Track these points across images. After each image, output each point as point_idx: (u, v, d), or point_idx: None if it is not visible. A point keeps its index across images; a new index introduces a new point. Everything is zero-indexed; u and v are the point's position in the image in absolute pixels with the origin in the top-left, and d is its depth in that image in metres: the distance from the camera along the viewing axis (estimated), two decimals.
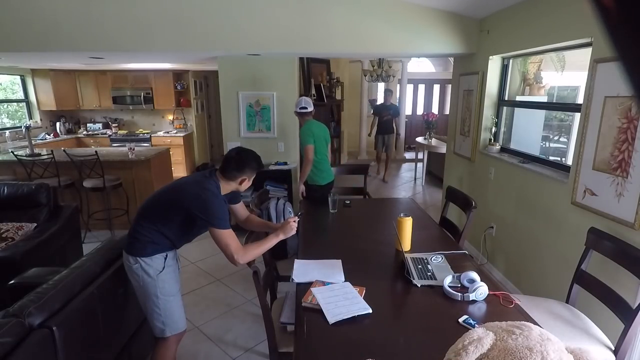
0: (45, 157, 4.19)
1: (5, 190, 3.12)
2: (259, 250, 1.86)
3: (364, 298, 1.65)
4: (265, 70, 4.18)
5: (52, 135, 6.51)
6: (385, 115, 6.49)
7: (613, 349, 1.73)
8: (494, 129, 3.55)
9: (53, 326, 1.43)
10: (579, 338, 1.78)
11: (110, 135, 6.96)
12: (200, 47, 3.51)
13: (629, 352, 1.76)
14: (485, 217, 3.48)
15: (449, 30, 3.53)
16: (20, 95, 6.48)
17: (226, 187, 1.89)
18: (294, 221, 1.94)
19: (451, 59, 5.02)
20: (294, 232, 1.94)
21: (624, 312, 1.72)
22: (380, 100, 9.75)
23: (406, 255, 1.97)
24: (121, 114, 7.32)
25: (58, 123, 6.85)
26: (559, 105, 3.86)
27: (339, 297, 1.66)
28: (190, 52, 3.62)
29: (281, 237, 1.92)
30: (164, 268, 1.84)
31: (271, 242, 1.90)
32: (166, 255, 1.86)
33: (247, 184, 1.93)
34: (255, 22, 3.42)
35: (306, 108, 3.32)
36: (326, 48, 3.56)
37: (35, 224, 2.98)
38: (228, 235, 1.77)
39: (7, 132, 5.89)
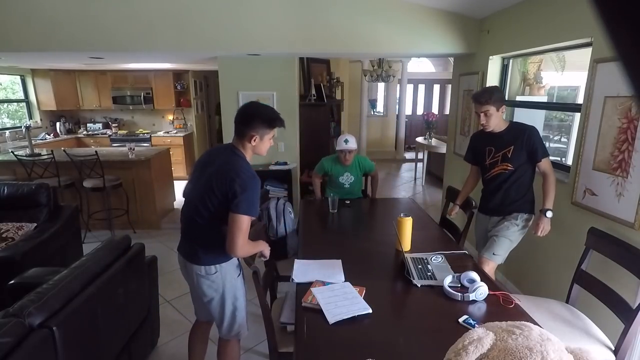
0: (45, 157, 4.19)
1: (5, 190, 3.12)
2: (252, 250, 1.80)
3: (364, 298, 1.65)
4: (265, 70, 4.18)
5: (52, 135, 6.51)
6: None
7: (613, 349, 1.73)
8: None
9: (53, 326, 1.43)
10: (579, 338, 1.78)
11: (110, 135, 6.96)
12: (200, 47, 3.51)
13: (629, 352, 1.76)
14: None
15: (449, 30, 3.53)
16: (20, 95, 6.48)
17: (247, 151, 1.76)
18: (264, 255, 1.91)
19: (451, 59, 5.02)
20: (267, 252, 1.91)
21: (624, 312, 1.72)
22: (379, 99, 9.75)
23: (406, 255, 1.97)
24: (121, 114, 7.31)
25: (58, 123, 6.85)
26: (559, 105, 3.86)
27: (339, 297, 1.66)
28: (190, 52, 3.62)
29: (265, 250, 1.88)
30: (241, 270, 1.85)
31: (258, 248, 1.84)
32: (237, 259, 1.83)
33: (259, 143, 1.73)
34: (255, 22, 3.42)
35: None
36: (326, 48, 3.56)
37: (35, 224, 2.98)
38: (248, 223, 1.64)
39: (7, 132, 5.89)
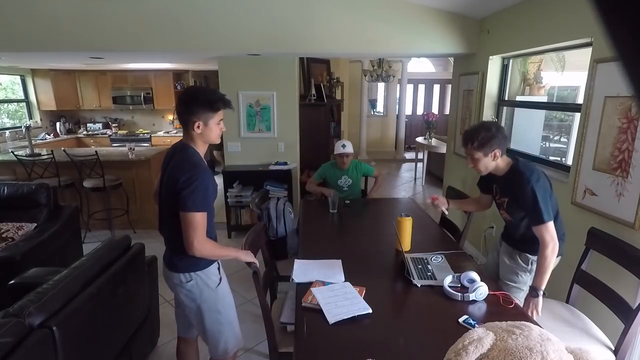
0: (45, 157, 4.19)
1: (5, 190, 3.12)
2: (216, 252, 1.63)
3: (364, 298, 1.65)
4: (265, 70, 4.18)
5: (52, 135, 6.52)
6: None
7: (613, 349, 1.73)
8: None
9: (53, 326, 1.43)
10: (579, 338, 1.78)
11: (110, 135, 6.97)
12: (200, 47, 3.51)
13: (629, 352, 1.76)
14: (485, 217, 3.48)
15: (449, 30, 3.53)
16: (20, 95, 6.48)
17: (196, 141, 1.61)
18: (252, 262, 1.77)
19: (451, 59, 5.02)
20: (249, 259, 1.75)
21: (624, 312, 1.72)
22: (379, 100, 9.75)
23: (406, 255, 1.97)
24: (121, 114, 7.32)
25: (58, 123, 6.85)
26: (559, 105, 3.86)
27: (339, 297, 1.66)
28: (190, 52, 3.62)
29: (241, 256, 1.72)
30: (220, 279, 1.70)
31: (229, 253, 1.71)
32: (218, 264, 1.72)
33: (205, 129, 1.57)
34: (255, 22, 3.42)
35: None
36: (326, 48, 3.56)
37: (35, 224, 2.98)
38: (201, 219, 1.51)
39: (7, 132, 5.89)
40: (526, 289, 1.91)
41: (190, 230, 1.49)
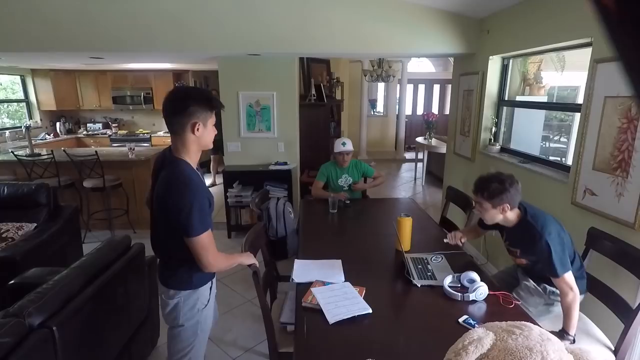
0: (45, 157, 4.19)
1: (5, 190, 3.12)
2: (228, 263, 1.57)
3: (364, 298, 1.65)
4: (265, 70, 4.18)
5: (52, 135, 6.51)
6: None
7: (613, 349, 1.73)
8: (494, 129, 3.55)
9: (53, 326, 1.43)
10: (579, 338, 1.78)
11: (110, 135, 6.96)
12: (200, 47, 3.51)
13: (629, 352, 1.76)
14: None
15: (449, 30, 3.53)
16: (20, 95, 6.48)
17: (190, 149, 1.44)
18: (253, 263, 1.73)
19: (451, 59, 5.02)
20: (250, 261, 1.71)
21: (624, 312, 1.72)
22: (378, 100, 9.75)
23: (406, 255, 1.97)
24: (121, 114, 7.32)
25: (58, 123, 6.85)
26: (559, 105, 3.86)
27: (339, 297, 1.66)
28: (190, 52, 3.62)
29: (243, 260, 1.67)
30: (208, 301, 1.57)
31: (235, 260, 1.62)
32: (211, 284, 1.60)
33: (204, 131, 1.43)
34: (255, 22, 3.42)
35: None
36: (326, 48, 3.56)
37: (35, 224, 2.98)
38: (208, 237, 1.42)
39: (7, 132, 5.89)
40: (535, 310, 1.86)
41: (202, 252, 1.40)
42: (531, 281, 1.92)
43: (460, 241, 2.14)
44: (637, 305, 1.66)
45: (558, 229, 1.76)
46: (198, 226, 1.37)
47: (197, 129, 1.40)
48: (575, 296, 1.65)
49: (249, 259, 1.71)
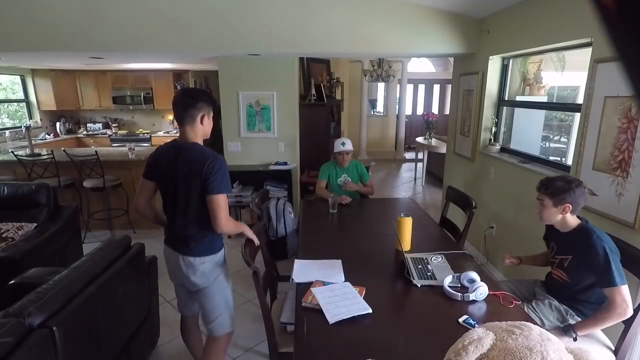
0: (45, 157, 4.19)
1: (5, 190, 3.12)
2: (236, 227, 1.86)
3: (364, 298, 1.65)
4: (265, 70, 4.18)
5: (52, 135, 6.52)
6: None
7: (613, 349, 1.73)
8: (494, 129, 3.55)
9: (53, 326, 1.43)
10: (579, 338, 1.78)
11: (110, 135, 6.97)
12: (200, 47, 3.51)
13: (629, 352, 1.76)
14: (485, 217, 3.48)
15: (449, 30, 3.53)
16: (20, 95, 6.48)
17: (197, 136, 1.78)
18: (254, 240, 1.97)
19: (451, 59, 5.02)
20: (251, 237, 1.96)
21: None
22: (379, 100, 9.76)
23: (406, 255, 1.97)
24: (121, 114, 7.32)
25: (58, 123, 6.85)
26: (559, 105, 3.85)
27: (339, 297, 1.66)
28: (190, 52, 3.62)
29: (248, 232, 1.95)
30: (224, 260, 1.90)
31: (241, 228, 1.91)
32: (224, 249, 1.90)
33: (208, 122, 1.79)
34: (255, 22, 3.42)
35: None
36: (326, 48, 3.56)
37: (35, 224, 2.97)
38: (225, 200, 1.76)
39: (7, 132, 5.89)
40: (546, 322, 1.81)
41: (219, 210, 1.70)
42: (554, 300, 1.86)
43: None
44: (637, 305, 1.66)
45: (613, 245, 1.71)
46: (222, 186, 1.71)
47: (204, 120, 1.77)
48: (623, 313, 1.59)
49: (252, 234, 1.97)
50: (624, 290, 1.59)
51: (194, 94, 1.79)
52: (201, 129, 1.78)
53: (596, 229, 1.73)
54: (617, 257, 1.65)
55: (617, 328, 1.74)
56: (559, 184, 1.72)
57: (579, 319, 1.78)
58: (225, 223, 1.74)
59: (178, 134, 1.81)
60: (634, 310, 1.64)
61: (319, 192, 3.29)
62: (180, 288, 1.97)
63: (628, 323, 1.66)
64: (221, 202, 1.71)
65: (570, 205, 1.72)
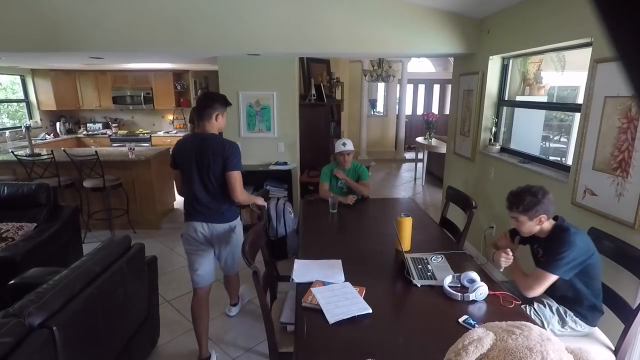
0: (45, 157, 4.19)
1: (5, 190, 3.12)
2: (249, 198, 2.35)
3: (364, 298, 1.65)
4: (265, 70, 4.18)
5: (52, 135, 6.51)
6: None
7: (613, 349, 1.73)
8: (494, 129, 3.55)
9: (53, 326, 1.43)
10: (578, 338, 1.78)
11: (110, 135, 6.96)
12: (200, 47, 3.51)
13: (629, 352, 1.76)
14: (485, 217, 3.48)
15: (449, 30, 3.53)
16: (20, 95, 6.48)
17: (214, 130, 2.22)
18: (263, 205, 2.53)
19: (451, 59, 5.02)
20: (261, 203, 2.51)
21: (624, 312, 1.72)
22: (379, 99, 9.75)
23: (406, 255, 1.97)
24: (121, 114, 7.32)
25: (58, 123, 6.85)
26: (559, 105, 3.86)
27: (339, 297, 1.66)
28: (190, 52, 3.62)
29: (258, 201, 2.48)
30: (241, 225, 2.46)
31: (255, 199, 2.45)
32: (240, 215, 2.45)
33: (222, 120, 2.24)
34: (255, 22, 3.42)
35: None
36: (326, 48, 3.56)
37: (35, 224, 2.97)
38: (240, 175, 2.20)
39: (7, 132, 5.89)
40: (548, 325, 1.82)
41: (237, 184, 2.17)
42: (554, 302, 1.87)
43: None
44: (637, 305, 1.66)
45: (588, 246, 1.73)
46: (239, 165, 2.18)
47: (218, 118, 2.22)
48: (531, 291, 1.73)
49: (262, 201, 2.50)
50: (549, 279, 1.70)
51: (212, 97, 2.26)
52: (216, 124, 2.22)
53: (572, 227, 1.77)
54: (578, 255, 1.68)
55: (617, 328, 1.74)
56: (527, 200, 1.75)
57: (578, 320, 1.79)
58: (241, 193, 2.19)
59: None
60: (634, 310, 1.64)
61: (322, 195, 3.28)
62: (203, 258, 2.31)
63: (628, 323, 1.66)
64: (237, 177, 2.16)
65: (544, 215, 1.77)
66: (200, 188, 2.20)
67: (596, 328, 1.86)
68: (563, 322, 1.81)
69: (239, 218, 2.40)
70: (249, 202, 2.40)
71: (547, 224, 1.82)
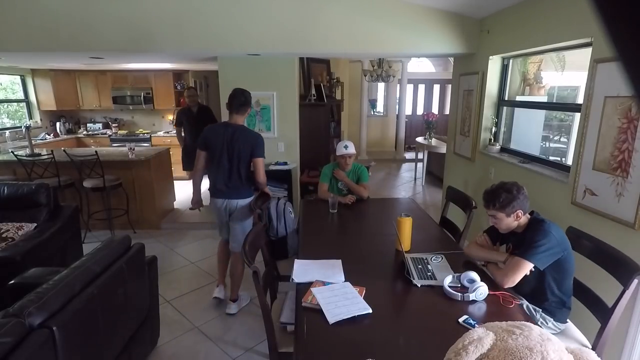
0: (45, 157, 4.19)
1: (5, 190, 3.12)
2: (266, 180, 2.80)
3: (364, 298, 1.65)
4: (265, 70, 4.18)
5: (52, 135, 6.51)
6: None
7: (590, 347, 1.72)
8: (494, 129, 3.55)
9: (53, 326, 1.43)
10: (556, 335, 1.77)
11: (110, 135, 6.96)
12: (200, 47, 3.51)
13: (606, 350, 1.73)
14: (486, 217, 3.47)
15: (449, 30, 3.53)
16: (20, 95, 6.48)
17: (243, 122, 2.75)
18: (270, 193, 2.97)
19: (451, 59, 5.02)
20: (270, 193, 2.97)
21: (601, 311, 1.70)
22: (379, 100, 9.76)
23: (406, 255, 1.97)
24: (121, 114, 7.31)
25: (58, 123, 6.85)
26: (559, 105, 3.85)
27: (339, 297, 1.66)
28: (190, 52, 3.62)
29: (267, 190, 2.89)
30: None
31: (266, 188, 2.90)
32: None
33: (247, 114, 2.78)
34: (255, 22, 3.42)
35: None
36: (326, 48, 3.56)
37: (35, 224, 2.97)
38: (263, 162, 2.74)
39: (7, 132, 5.88)
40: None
41: (261, 169, 2.71)
42: (524, 300, 1.87)
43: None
44: (613, 303, 1.64)
45: (563, 239, 1.76)
46: (263, 153, 2.71)
47: (247, 112, 2.76)
48: (505, 281, 1.73)
49: (268, 190, 2.93)
50: (525, 267, 1.71)
51: (248, 96, 2.71)
52: (242, 118, 2.72)
53: (547, 220, 1.81)
54: (552, 247, 1.71)
55: (593, 326, 1.73)
56: (502, 197, 1.79)
57: (547, 317, 1.82)
58: (263, 176, 2.72)
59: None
60: (610, 308, 1.63)
61: (321, 195, 3.27)
62: (224, 224, 2.86)
63: (604, 322, 1.65)
64: (261, 163, 2.69)
65: (521, 211, 1.81)
66: (225, 168, 2.67)
67: (570, 324, 1.86)
68: (533, 320, 1.80)
69: (252, 196, 2.83)
70: (265, 186, 2.80)
71: (524, 219, 1.85)
